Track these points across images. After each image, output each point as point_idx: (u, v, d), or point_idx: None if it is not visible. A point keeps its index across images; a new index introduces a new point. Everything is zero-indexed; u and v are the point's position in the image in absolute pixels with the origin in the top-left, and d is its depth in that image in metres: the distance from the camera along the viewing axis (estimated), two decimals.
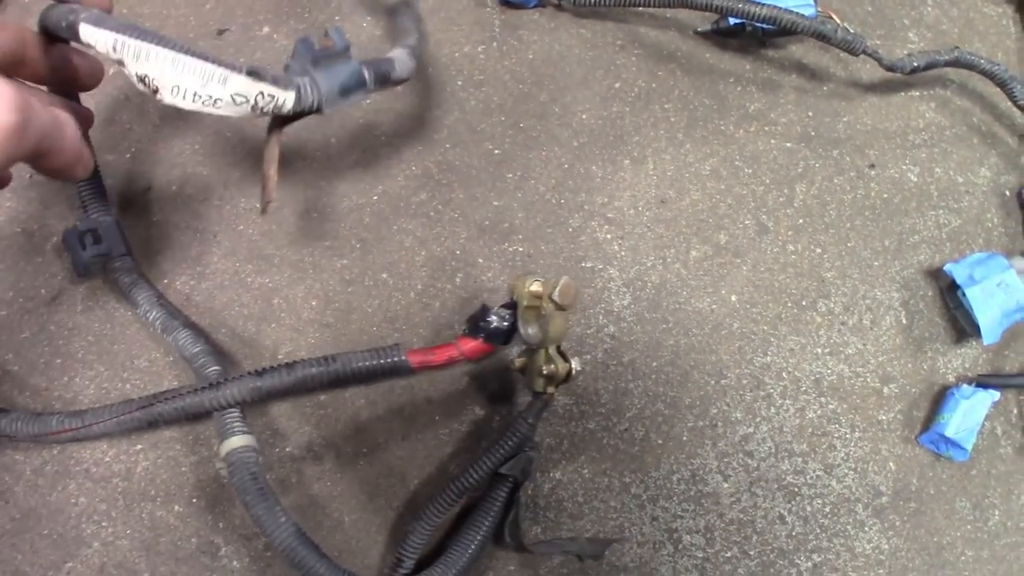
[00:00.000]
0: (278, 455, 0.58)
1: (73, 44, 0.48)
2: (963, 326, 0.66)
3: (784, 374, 0.63)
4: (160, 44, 0.44)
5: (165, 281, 0.61)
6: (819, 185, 0.66)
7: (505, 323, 0.54)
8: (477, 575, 0.58)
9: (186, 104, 0.46)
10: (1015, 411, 0.66)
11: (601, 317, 0.61)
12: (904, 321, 0.65)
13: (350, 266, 0.62)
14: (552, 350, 0.54)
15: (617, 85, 0.67)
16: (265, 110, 0.48)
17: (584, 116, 0.66)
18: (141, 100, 0.66)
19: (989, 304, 0.62)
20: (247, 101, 0.47)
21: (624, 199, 0.64)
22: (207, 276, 0.62)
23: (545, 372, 0.53)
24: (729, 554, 0.60)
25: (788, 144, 0.66)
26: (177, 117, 0.65)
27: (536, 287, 0.53)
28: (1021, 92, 0.67)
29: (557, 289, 0.53)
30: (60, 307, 0.62)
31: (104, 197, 0.60)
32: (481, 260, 0.62)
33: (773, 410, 0.62)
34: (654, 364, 0.61)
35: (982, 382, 0.64)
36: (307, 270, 0.62)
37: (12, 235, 0.63)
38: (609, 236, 0.63)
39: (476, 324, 0.55)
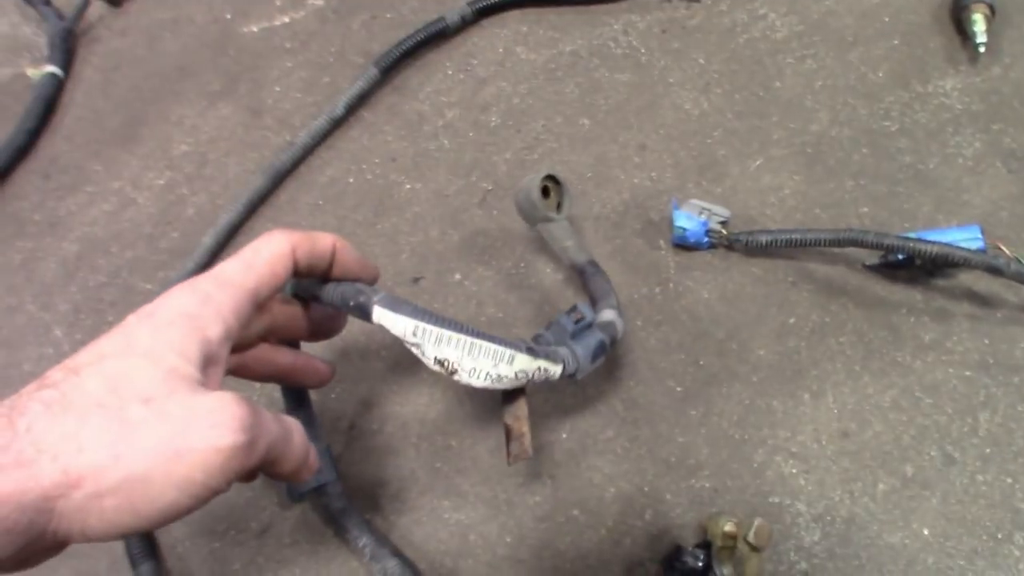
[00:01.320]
0: None
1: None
2: None
3: None
4: (456, 330, 0.51)
5: (367, 516, 0.65)
6: (1003, 413, 0.66)
7: (700, 563, 0.55)
8: None
9: (478, 383, 0.52)
10: None
11: (792, 554, 0.61)
12: None
13: (542, 503, 0.64)
14: None
15: (791, 320, 0.69)
16: (537, 381, 0.54)
17: (761, 352, 0.68)
18: (365, 351, 0.72)
19: None
20: (527, 376, 0.53)
21: (807, 433, 0.65)
22: (406, 511, 0.65)
23: None
24: None
25: (967, 372, 0.67)
26: (376, 359, 0.71)
27: (730, 527, 0.55)
28: None
29: (752, 530, 0.54)
30: (268, 540, 0.66)
31: (317, 426, 0.65)
32: (669, 496, 0.64)
33: None
34: None
35: None
36: (500, 507, 0.64)
37: None
38: (794, 471, 0.64)
39: (671, 564, 0.56)
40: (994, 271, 0.65)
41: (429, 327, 0.50)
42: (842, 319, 0.69)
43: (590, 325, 0.59)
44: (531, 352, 0.53)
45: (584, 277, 0.66)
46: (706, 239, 0.71)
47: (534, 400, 0.67)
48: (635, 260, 0.73)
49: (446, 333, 0.50)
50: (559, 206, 0.67)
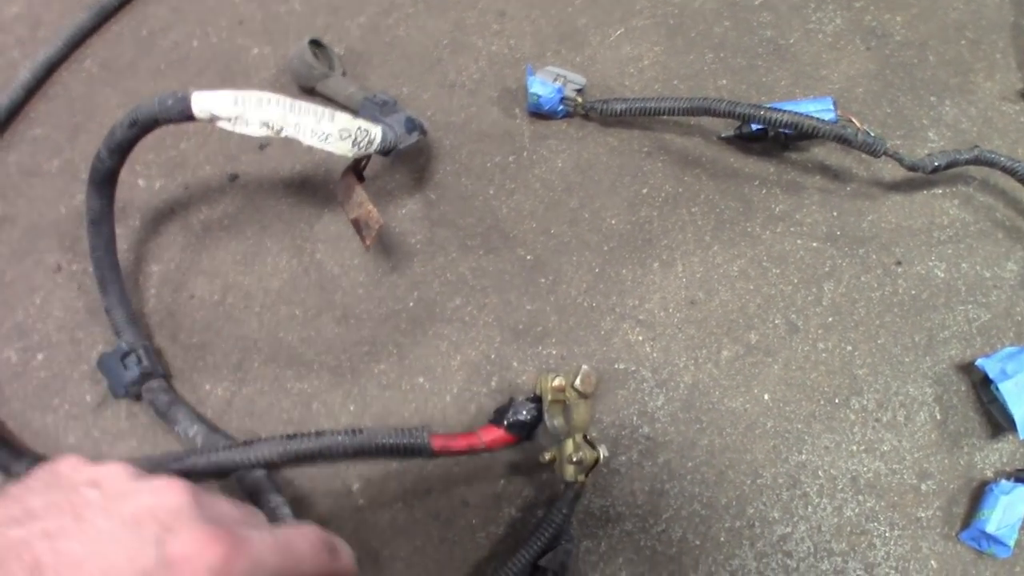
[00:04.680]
0: None
1: None
2: (998, 420, 0.65)
3: (820, 472, 0.62)
4: (276, 95, 0.53)
5: (207, 387, 0.63)
6: (847, 283, 0.67)
7: (528, 415, 0.55)
8: None
9: (306, 139, 0.55)
10: None
11: (635, 418, 0.62)
12: (938, 416, 0.65)
13: (387, 371, 0.63)
14: (579, 438, 0.55)
15: (645, 190, 0.69)
16: (361, 144, 0.57)
17: (613, 221, 0.68)
18: (185, 213, 0.68)
19: (1023, 398, 0.62)
20: (350, 135, 0.56)
21: (655, 301, 0.65)
22: (248, 382, 0.63)
23: (575, 459, 0.54)
24: None
25: (814, 244, 0.68)
26: (219, 228, 0.68)
27: (558, 381, 0.55)
28: None
29: (578, 377, 0.54)
30: (104, 413, 0.63)
31: (136, 323, 0.63)
32: (516, 363, 0.63)
33: (810, 509, 0.62)
34: (689, 464, 0.61)
35: (1021, 477, 0.64)
36: (345, 375, 0.63)
37: (59, 342, 0.65)
38: (641, 338, 0.64)
39: (501, 415, 0.56)
40: (842, 140, 0.65)
41: (248, 92, 0.53)
42: (695, 189, 0.69)
43: (394, 104, 0.66)
44: (353, 115, 0.57)
45: (372, 103, 0.68)
46: (561, 107, 0.70)
47: (376, 270, 0.65)
48: (490, 128, 0.71)
49: (266, 95, 0.53)
50: (331, 66, 0.73)
